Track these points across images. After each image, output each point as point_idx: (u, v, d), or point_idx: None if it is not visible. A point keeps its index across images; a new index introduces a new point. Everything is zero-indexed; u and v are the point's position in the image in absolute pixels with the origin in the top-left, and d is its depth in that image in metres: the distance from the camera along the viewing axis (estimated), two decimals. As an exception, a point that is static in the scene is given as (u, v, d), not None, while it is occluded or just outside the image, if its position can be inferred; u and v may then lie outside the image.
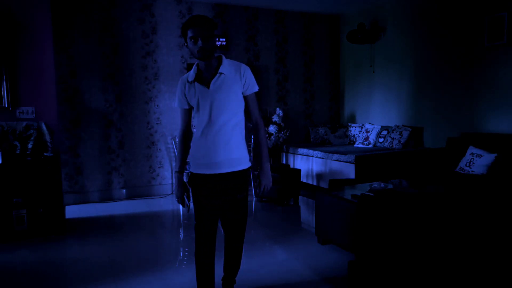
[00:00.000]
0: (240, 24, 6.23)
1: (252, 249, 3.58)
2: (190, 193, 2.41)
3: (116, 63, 5.50)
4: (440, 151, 4.93)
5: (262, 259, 3.37)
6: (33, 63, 4.25)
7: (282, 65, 6.64)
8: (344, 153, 5.27)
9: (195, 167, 2.34)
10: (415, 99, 5.77)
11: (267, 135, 5.81)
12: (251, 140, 5.47)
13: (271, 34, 6.50)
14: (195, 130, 2.37)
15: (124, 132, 5.60)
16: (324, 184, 5.57)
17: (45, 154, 4.10)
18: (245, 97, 2.35)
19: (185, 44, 2.24)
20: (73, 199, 5.33)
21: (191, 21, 2.17)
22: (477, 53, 4.85)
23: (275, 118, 5.81)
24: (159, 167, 5.83)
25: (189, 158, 2.41)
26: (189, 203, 2.42)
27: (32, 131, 4.11)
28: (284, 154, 6.46)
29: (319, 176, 5.71)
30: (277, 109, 5.91)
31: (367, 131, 6.14)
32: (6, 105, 4.11)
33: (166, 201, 5.41)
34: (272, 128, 5.73)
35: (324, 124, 6.90)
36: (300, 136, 6.89)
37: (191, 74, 2.30)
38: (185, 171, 2.45)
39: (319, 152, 5.67)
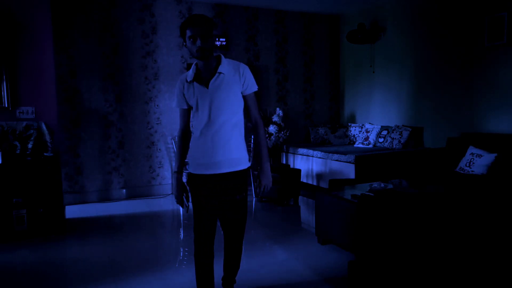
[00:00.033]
0: (240, 24, 6.24)
1: (252, 249, 3.58)
2: (189, 194, 2.40)
3: (116, 63, 5.50)
4: (440, 151, 4.93)
5: (262, 259, 3.37)
6: (33, 63, 4.25)
7: (282, 65, 6.64)
8: (344, 153, 5.27)
9: (194, 167, 2.32)
10: (415, 99, 5.77)
11: (267, 135, 5.81)
12: (251, 140, 5.47)
13: (271, 34, 6.50)
14: (193, 129, 2.36)
15: (124, 132, 5.60)
16: (324, 184, 5.57)
17: (45, 154, 4.10)
18: (244, 97, 2.33)
19: (184, 43, 2.23)
20: (73, 199, 5.33)
21: (189, 21, 2.15)
22: (477, 53, 4.85)
23: (275, 118, 5.81)
24: (159, 167, 5.83)
25: (188, 158, 2.40)
26: (188, 204, 2.41)
27: (32, 131, 4.11)
28: (284, 154, 6.46)
29: (319, 176, 5.71)
30: (277, 109, 5.91)
31: (367, 131, 6.14)
32: (6, 105, 4.11)
33: (166, 201, 5.41)
34: (272, 128, 5.73)
35: (324, 124, 6.90)
36: (300, 136, 6.89)
37: (190, 73, 2.29)
38: (184, 171, 2.45)
39: (319, 152, 5.67)
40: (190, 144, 2.41)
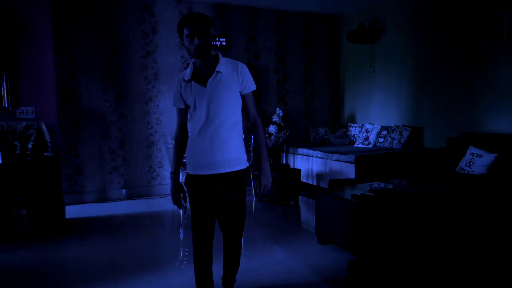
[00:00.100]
0: (240, 24, 6.24)
1: (252, 249, 3.58)
2: (187, 194, 2.38)
3: (116, 63, 5.50)
4: (440, 151, 4.93)
5: (262, 259, 3.37)
6: (33, 63, 4.25)
7: (282, 65, 6.64)
8: (344, 153, 5.27)
9: (192, 168, 2.30)
10: (415, 99, 5.77)
11: (267, 135, 5.80)
12: (251, 140, 5.47)
13: (271, 34, 6.50)
14: (190, 129, 2.33)
15: (124, 132, 5.60)
16: (324, 184, 5.57)
17: (45, 154, 4.10)
18: (242, 96, 2.31)
19: (181, 42, 2.20)
20: (73, 199, 5.33)
21: (187, 19, 2.13)
22: (477, 53, 4.85)
23: (275, 118, 5.81)
24: (159, 167, 5.83)
25: (185, 159, 2.38)
26: (185, 205, 2.39)
27: (32, 131, 4.11)
28: (284, 154, 6.46)
29: (319, 176, 5.71)
30: (277, 109, 5.91)
31: (367, 131, 6.14)
32: (6, 105, 4.11)
33: (166, 201, 5.41)
34: (272, 128, 5.73)
35: (324, 124, 6.90)
36: (300, 136, 6.89)
37: (187, 72, 2.26)
38: (183, 171, 2.43)
39: (319, 152, 5.67)
40: (187, 144, 2.38)
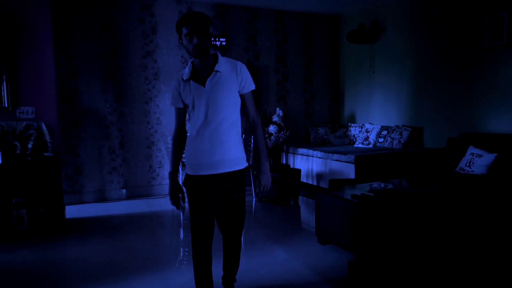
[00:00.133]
0: (240, 24, 6.23)
1: (252, 249, 3.58)
2: (185, 194, 2.37)
3: (116, 63, 5.50)
4: (440, 151, 4.93)
5: (262, 259, 3.37)
6: (33, 63, 4.25)
7: (282, 65, 6.64)
8: (344, 153, 5.27)
9: (191, 169, 2.29)
10: (415, 99, 5.77)
11: (267, 135, 5.80)
12: (251, 140, 5.47)
13: (271, 34, 6.50)
14: (189, 129, 2.32)
15: (124, 132, 5.60)
16: (324, 184, 5.57)
17: (45, 154, 4.10)
18: (241, 96, 2.30)
19: (180, 41, 2.19)
20: (73, 199, 5.33)
21: (186, 18, 2.11)
22: (477, 53, 4.85)
23: (275, 118, 5.81)
24: (159, 167, 5.83)
25: (184, 159, 2.37)
26: (184, 205, 2.38)
27: (32, 131, 4.11)
28: (284, 154, 6.46)
29: (319, 176, 5.71)
30: (277, 109, 5.91)
31: (367, 131, 6.14)
32: (6, 105, 4.11)
33: (166, 201, 5.41)
34: (272, 128, 5.73)
35: (324, 124, 6.91)
36: (300, 136, 6.89)
37: (186, 72, 2.25)
38: (183, 171, 2.43)
39: (319, 152, 5.67)
40: (186, 144, 2.36)
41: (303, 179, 5.98)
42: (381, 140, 5.87)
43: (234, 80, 2.23)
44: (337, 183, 4.16)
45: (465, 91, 5.04)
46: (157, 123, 5.78)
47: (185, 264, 3.30)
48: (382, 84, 6.29)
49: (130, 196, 5.66)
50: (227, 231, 2.45)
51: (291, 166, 6.21)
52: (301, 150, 6.03)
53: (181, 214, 4.80)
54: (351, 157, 5.10)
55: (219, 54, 2.27)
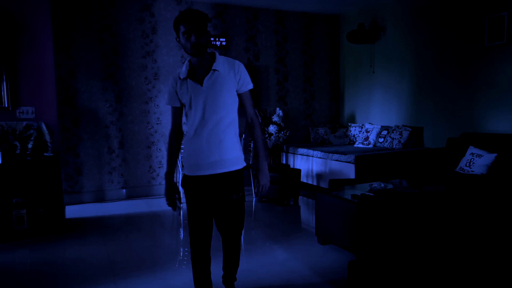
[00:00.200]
0: (240, 24, 6.23)
1: (252, 249, 3.58)
2: (182, 195, 2.36)
3: (116, 63, 5.50)
4: (440, 151, 4.93)
5: (262, 259, 3.37)
6: (33, 63, 4.25)
7: (282, 65, 6.64)
8: (344, 153, 5.27)
9: (189, 169, 2.27)
10: (415, 99, 5.77)
11: (267, 135, 5.80)
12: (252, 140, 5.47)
13: (271, 34, 6.50)
14: (186, 129, 2.30)
15: (124, 132, 5.60)
16: (324, 184, 5.57)
17: (45, 154, 4.10)
18: (239, 95, 2.28)
19: (177, 39, 2.17)
20: (73, 199, 5.33)
21: (183, 16, 2.09)
22: (477, 53, 4.85)
23: (275, 118, 5.81)
24: (159, 167, 5.83)
25: (182, 159, 2.36)
26: (180, 206, 2.36)
27: (32, 131, 4.11)
28: (284, 154, 6.46)
29: (319, 176, 5.71)
30: (277, 109, 5.91)
31: (367, 131, 6.14)
32: (6, 105, 4.11)
33: (165, 201, 5.40)
34: (272, 128, 5.73)
35: (324, 124, 6.91)
36: (300, 136, 6.89)
37: (183, 71, 2.22)
38: (180, 171, 2.42)
39: (319, 152, 5.67)
40: (183, 144, 2.35)
41: (303, 179, 5.98)
42: (381, 140, 5.87)
43: (232, 79, 2.21)
44: (337, 183, 4.16)
45: (465, 91, 5.04)
46: (157, 123, 5.78)
47: (185, 264, 3.30)
48: (382, 84, 6.29)
49: (130, 196, 5.66)
50: (226, 232, 2.41)
51: (291, 166, 6.21)
52: (301, 150, 6.03)
53: (181, 214, 4.80)
54: (351, 157, 5.10)
55: (216, 53, 2.25)
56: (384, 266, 2.40)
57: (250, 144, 5.54)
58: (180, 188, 3.31)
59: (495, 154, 4.14)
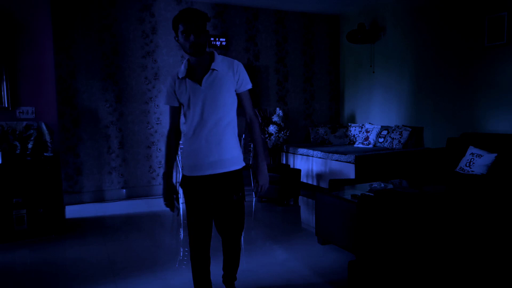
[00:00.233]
0: (240, 24, 6.23)
1: (252, 249, 3.58)
2: (180, 195, 2.35)
3: (116, 63, 5.50)
4: (440, 151, 4.93)
5: (262, 259, 3.37)
6: (33, 63, 4.25)
7: (282, 65, 6.64)
8: (344, 153, 5.27)
9: (188, 169, 2.26)
10: (415, 99, 5.77)
11: (267, 135, 5.80)
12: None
13: (271, 34, 6.50)
14: (185, 129, 2.28)
15: (124, 132, 5.60)
16: (324, 184, 5.57)
17: (45, 154, 4.10)
18: (238, 95, 2.27)
19: (176, 38, 2.15)
20: (73, 199, 5.33)
21: (182, 15, 2.07)
22: (477, 53, 4.85)
23: (275, 118, 5.81)
24: (159, 167, 5.83)
25: (181, 160, 2.35)
26: (178, 206, 2.35)
27: (32, 131, 4.11)
28: (284, 154, 6.45)
29: (319, 176, 5.71)
30: (277, 109, 5.91)
31: (367, 131, 6.14)
32: (6, 105, 4.11)
33: (166, 201, 5.41)
34: (272, 128, 5.73)
35: (324, 124, 6.90)
36: (300, 136, 6.89)
37: (182, 70, 2.21)
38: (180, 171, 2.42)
39: (319, 152, 5.67)
40: (182, 144, 2.34)
41: (303, 179, 5.98)
42: (381, 140, 5.87)
43: (230, 79, 2.20)
44: (337, 183, 4.16)
45: (465, 91, 5.04)
46: (157, 123, 5.78)
47: (185, 264, 3.30)
48: (382, 84, 6.29)
49: (130, 196, 5.66)
50: (226, 233, 2.39)
51: (291, 166, 6.21)
52: (301, 150, 6.03)
53: (181, 214, 4.79)
54: (351, 157, 5.10)
55: (215, 52, 2.24)
56: (384, 266, 2.40)
57: (250, 144, 5.54)
58: (180, 188, 3.31)
59: (495, 154, 4.14)
